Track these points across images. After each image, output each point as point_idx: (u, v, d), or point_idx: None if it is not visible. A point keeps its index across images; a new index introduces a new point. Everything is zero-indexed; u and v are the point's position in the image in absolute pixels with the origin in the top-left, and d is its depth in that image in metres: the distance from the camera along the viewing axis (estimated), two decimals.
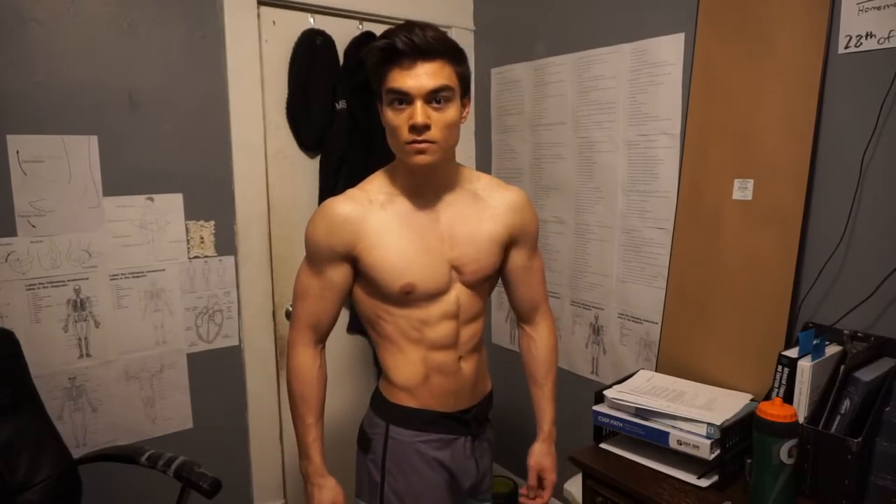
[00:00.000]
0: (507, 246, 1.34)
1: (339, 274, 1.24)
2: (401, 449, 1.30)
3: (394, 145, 1.19)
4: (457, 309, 1.28)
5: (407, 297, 1.23)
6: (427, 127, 1.12)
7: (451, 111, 1.16)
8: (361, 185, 1.28)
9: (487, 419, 1.42)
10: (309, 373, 1.29)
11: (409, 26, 1.12)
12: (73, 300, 1.78)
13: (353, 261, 1.23)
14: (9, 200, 1.66)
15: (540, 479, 1.44)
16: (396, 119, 1.14)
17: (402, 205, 1.24)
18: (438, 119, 1.14)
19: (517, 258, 1.37)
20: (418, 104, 1.12)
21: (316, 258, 1.24)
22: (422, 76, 1.11)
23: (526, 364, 1.50)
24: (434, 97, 1.13)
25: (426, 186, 1.24)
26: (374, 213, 1.21)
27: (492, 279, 1.36)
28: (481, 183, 1.33)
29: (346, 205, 1.21)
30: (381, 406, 1.32)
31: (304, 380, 1.29)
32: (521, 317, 1.47)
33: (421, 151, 1.15)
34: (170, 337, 1.95)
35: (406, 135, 1.13)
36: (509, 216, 1.32)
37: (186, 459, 1.54)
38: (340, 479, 1.34)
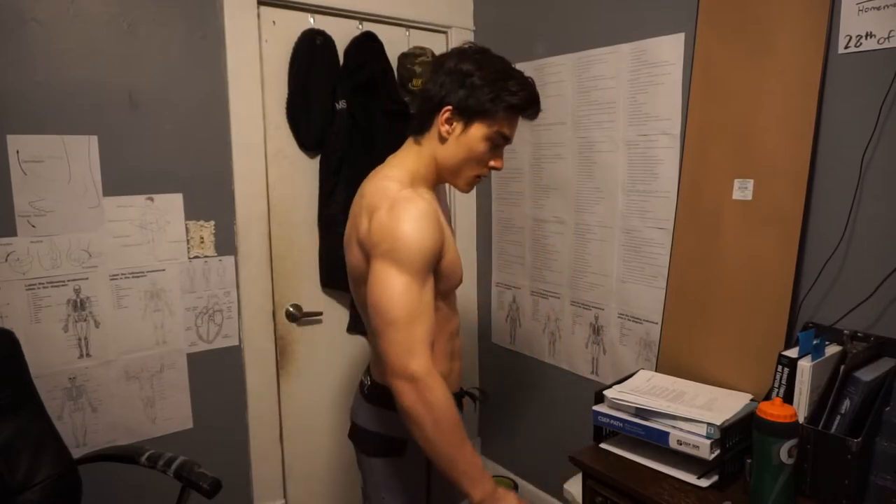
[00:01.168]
0: None
1: (434, 280, 1.19)
2: None
3: (461, 168, 1.28)
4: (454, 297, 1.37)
5: (454, 289, 1.31)
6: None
7: None
8: (399, 181, 1.23)
9: None
10: (452, 397, 1.16)
11: (535, 89, 1.27)
12: (73, 300, 1.77)
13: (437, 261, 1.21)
14: (9, 200, 1.66)
15: None
16: (485, 155, 1.27)
17: (434, 201, 1.27)
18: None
19: None
20: (502, 153, 1.31)
21: (425, 267, 1.15)
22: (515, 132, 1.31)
23: None
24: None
25: (440, 186, 1.36)
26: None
27: None
28: None
29: (431, 203, 1.20)
30: None
31: (453, 405, 1.14)
32: None
33: (475, 184, 1.34)
34: (170, 337, 1.95)
35: (483, 171, 1.30)
36: None
37: (186, 459, 1.54)
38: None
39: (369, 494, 1.38)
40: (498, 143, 1.26)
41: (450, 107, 1.22)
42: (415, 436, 1.14)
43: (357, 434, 1.40)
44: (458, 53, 1.26)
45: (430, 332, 1.14)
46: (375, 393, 1.34)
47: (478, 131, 1.23)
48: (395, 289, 1.12)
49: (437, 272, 1.21)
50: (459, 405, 1.38)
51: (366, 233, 1.19)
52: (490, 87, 1.20)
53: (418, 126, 1.29)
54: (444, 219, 1.26)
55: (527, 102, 1.24)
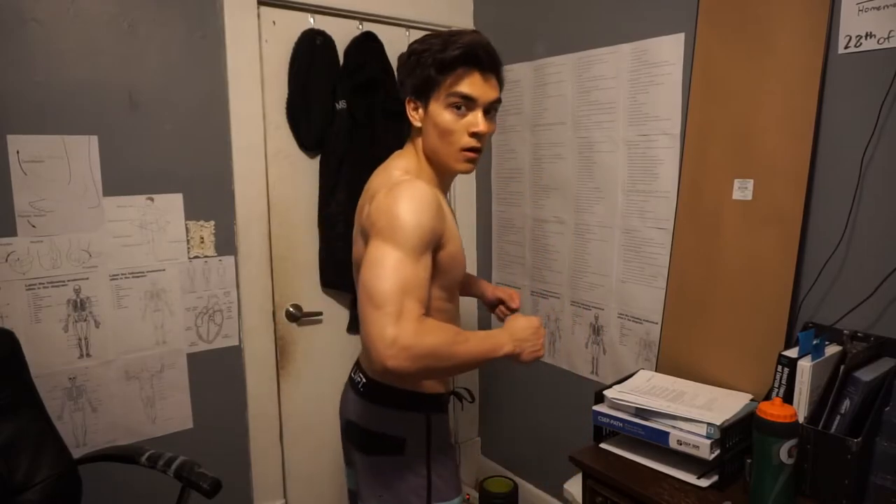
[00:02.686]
0: None
1: (430, 261, 1.16)
2: (443, 431, 1.36)
3: (442, 148, 1.25)
4: None
5: (457, 287, 1.32)
6: (483, 135, 1.24)
7: (495, 124, 1.29)
8: (404, 170, 1.26)
9: None
10: (437, 324, 1.13)
11: (478, 38, 1.22)
12: (73, 300, 1.78)
13: (435, 249, 1.19)
14: (9, 200, 1.66)
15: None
16: (455, 124, 1.22)
17: (437, 191, 1.26)
18: (488, 130, 1.25)
19: None
20: (480, 113, 1.22)
21: (420, 245, 1.12)
22: (488, 88, 1.23)
23: None
24: (489, 108, 1.24)
25: (447, 187, 1.34)
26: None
27: None
28: None
29: (433, 189, 1.19)
30: (415, 400, 1.31)
31: (440, 329, 1.10)
32: None
33: (472, 160, 1.26)
34: (170, 337, 1.95)
35: (465, 140, 1.23)
36: None
37: (186, 459, 1.54)
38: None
39: (363, 493, 1.35)
40: (461, 106, 1.21)
41: (408, 97, 1.28)
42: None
43: (353, 432, 1.38)
44: (400, 57, 1.32)
45: (422, 308, 1.09)
46: (372, 391, 1.33)
47: (435, 105, 1.23)
48: (387, 264, 1.07)
49: (437, 264, 1.19)
50: (445, 408, 1.41)
51: (366, 218, 1.19)
52: (428, 61, 1.21)
53: (407, 129, 1.34)
54: (448, 210, 1.26)
55: (459, 50, 1.19)
